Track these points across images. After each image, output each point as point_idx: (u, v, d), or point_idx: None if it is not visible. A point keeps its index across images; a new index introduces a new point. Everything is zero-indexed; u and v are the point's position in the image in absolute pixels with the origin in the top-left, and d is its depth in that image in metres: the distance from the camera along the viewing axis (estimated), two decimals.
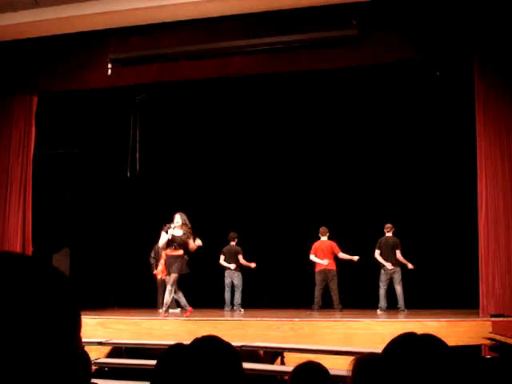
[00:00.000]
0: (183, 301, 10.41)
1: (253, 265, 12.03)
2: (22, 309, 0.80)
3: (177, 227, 10.33)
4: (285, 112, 13.06)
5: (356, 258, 11.35)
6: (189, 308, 10.25)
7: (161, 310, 10.27)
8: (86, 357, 3.09)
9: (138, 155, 12.12)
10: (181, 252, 10.41)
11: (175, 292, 10.37)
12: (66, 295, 0.86)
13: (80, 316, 0.89)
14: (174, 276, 10.29)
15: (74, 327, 0.86)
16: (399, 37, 9.46)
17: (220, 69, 10.21)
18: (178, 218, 10.35)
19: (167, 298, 10.32)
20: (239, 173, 13.62)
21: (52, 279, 0.86)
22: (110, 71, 10.38)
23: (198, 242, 11.68)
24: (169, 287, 10.31)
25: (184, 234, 10.36)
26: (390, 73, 11.07)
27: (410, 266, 11.03)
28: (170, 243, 10.35)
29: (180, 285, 12.14)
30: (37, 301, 0.82)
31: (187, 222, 10.45)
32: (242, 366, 1.57)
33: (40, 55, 10.82)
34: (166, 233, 10.36)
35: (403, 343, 1.45)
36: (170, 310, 11.64)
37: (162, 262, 10.83)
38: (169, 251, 10.41)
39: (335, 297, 11.26)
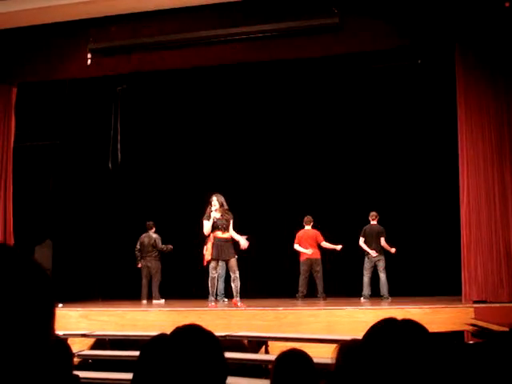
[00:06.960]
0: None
1: None
2: None
3: (216, 210, 9.96)
4: (268, 101, 13.02)
5: (339, 247, 11.37)
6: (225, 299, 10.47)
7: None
8: (66, 349, 3.07)
9: (119, 146, 12.03)
10: (229, 235, 10.09)
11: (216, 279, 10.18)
12: (40, 285, 0.85)
13: (55, 307, 0.88)
14: (233, 261, 10.00)
15: (47, 317, 0.85)
16: (380, 25, 9.44)
17: (201, 58, 10.16)
18: (215, 201, 10.00)
19: (237, 285, 10.00)
20: (222, 162, 13.56)
21: (27, 269, 0.85)
22: (89, 61, 10.29)
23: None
24: (235, 274, 9.98)
25: (222, 215, 10.01)
26: (372, 61, 11.09)
27: (392, 250, 11.10)
28: (214, 227, 9.99)
29: (163, 275, 12.14)
30: (10, 290, 0.80)
31: (224, 203, 10.09)
32: (223, 353, 1.56)
33: (19, 46, 10.68)
34: (208, 219, 10.00)
35: (383, 329, 1.45)
36: (154, 302, 11.62)
37: (208, 246, 10.27)
38: (219, 234, 10.02)
39: (319, 285, 11.28)
